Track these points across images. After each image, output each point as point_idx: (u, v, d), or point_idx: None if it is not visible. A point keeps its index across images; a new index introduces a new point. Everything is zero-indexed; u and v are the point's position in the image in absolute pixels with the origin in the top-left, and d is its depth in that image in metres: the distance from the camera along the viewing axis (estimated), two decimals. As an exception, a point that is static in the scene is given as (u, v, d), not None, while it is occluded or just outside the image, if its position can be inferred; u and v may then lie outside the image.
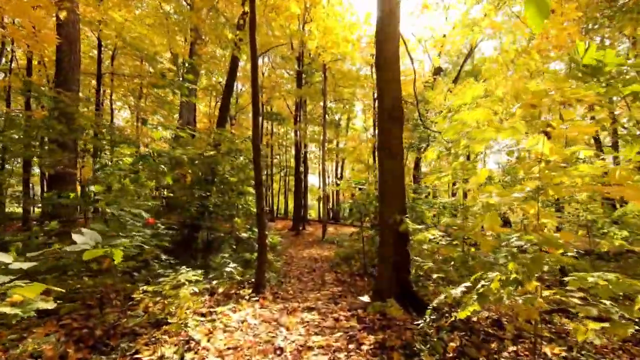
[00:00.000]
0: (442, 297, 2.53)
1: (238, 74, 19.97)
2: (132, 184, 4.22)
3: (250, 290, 4.74)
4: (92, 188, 3.89)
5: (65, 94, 5.69)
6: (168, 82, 4.82)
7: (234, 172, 6.92)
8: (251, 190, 6.33)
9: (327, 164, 29.74)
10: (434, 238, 3.97)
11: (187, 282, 2.93)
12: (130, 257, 3.28)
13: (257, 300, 4.36)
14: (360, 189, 6.23)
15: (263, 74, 23.30)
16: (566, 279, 2.07)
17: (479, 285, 2.38)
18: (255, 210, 5.28)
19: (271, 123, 27.51)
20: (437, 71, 15.59)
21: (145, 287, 2.81)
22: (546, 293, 2.24)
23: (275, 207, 32.49)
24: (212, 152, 5.78)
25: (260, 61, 25.03)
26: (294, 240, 14.35)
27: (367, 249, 7.11)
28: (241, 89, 25.17)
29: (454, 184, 18.28)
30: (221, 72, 18.39)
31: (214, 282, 4.77)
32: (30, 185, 15.87)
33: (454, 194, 19.86)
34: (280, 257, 8.93)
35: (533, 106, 2.34)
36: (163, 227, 4.06)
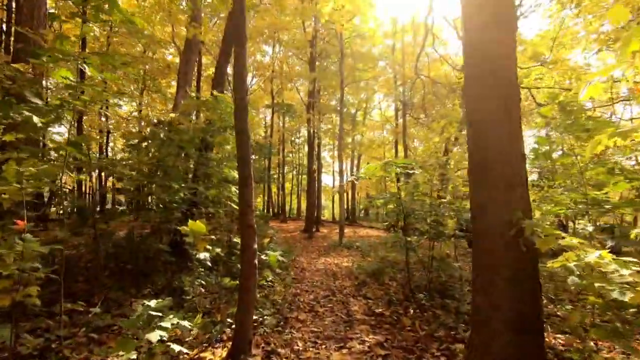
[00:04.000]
0: None
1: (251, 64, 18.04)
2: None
3: (224, 353, 2.63)
4: None
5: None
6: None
7: (219, 156, 4.84)
8: (235, 174, 4.18)
9: (342, 161, 27.25)
10: (614, 266, 1.74)
11: None
12: None
13: (229, 383, 2.23)
14: (407, 174, 4.04)
15: (274, 61, 21.28)
16: None
17: None
18: (238, 207, 3.16)
19: (282, 117, 25.51)
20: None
21: None
22: None
23: (287, 208, 30.47)
24: (172, 115, 3.70)
25: (269, 50, 23.06)
26: (307, 244, 12.19)
27: (401, 259, 4.91)
28: (251, 81, 23.21)
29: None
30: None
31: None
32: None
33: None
34: (288, 271, 6.80)
35: None
36: (37, 239, 2.04)
